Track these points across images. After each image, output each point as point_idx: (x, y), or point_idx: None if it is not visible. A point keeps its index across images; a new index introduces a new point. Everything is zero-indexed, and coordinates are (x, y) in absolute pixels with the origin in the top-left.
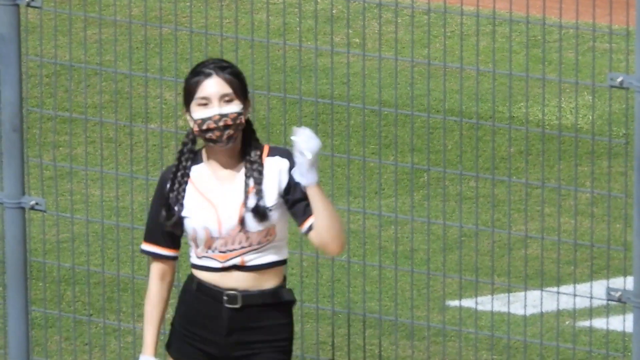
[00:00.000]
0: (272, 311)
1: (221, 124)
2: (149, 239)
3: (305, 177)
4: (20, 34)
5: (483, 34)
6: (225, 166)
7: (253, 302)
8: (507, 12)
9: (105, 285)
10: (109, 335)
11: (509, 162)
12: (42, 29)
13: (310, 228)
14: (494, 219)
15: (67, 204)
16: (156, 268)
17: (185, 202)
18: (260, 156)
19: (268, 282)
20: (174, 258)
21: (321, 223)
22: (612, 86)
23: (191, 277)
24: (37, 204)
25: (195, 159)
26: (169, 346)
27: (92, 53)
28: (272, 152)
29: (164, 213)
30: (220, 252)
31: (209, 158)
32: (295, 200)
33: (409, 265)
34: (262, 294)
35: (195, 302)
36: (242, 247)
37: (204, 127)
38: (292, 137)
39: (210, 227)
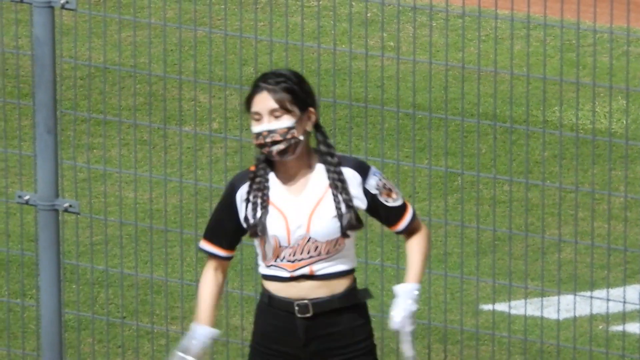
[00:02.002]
0: (345, 315)
1: (269, 140)
2: (208, 238)
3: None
4: (55, 36)
5: (517, 37)
6: (294, 175)
7: (324, 308)
8: (542, 16)
9: (138, 287)
10: (142, 338)
11: (543, 166)
12: (77, 31)
13: (405, 231)
14: (528, 223)
15: (100, 206)
16: (211, 264)
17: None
18: (337, 162)
19: (338, 287)
20: (229, 258)
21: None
22: None
23: (263, 293)
24: (70, 206)
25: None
26: None
27: (127, 55)
28: (342, 162)
29: (250, 221)
30: (289, 261)
31: (278, 167)
32: (381, 214)
33: (442, 269)
34: (332, 299)
35: (270, 317)
36: (311, 257)
37: (257, 141)
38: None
39: (279, 236)
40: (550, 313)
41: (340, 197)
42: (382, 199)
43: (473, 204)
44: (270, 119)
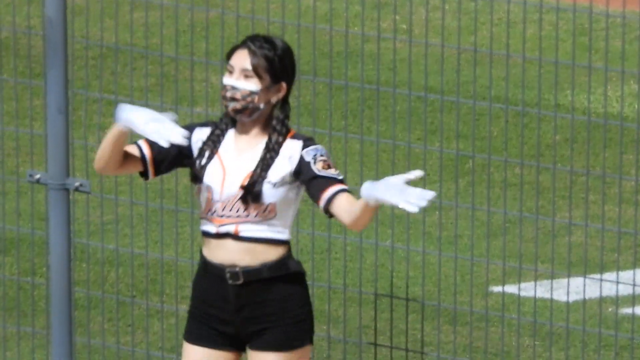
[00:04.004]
0: (277, 284)
1: (229, 94)
2: (148, 140)
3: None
4: (67, 16)
5: (530, 21)
6: (247, 137)
7: (255, 277)
8: (555, 0)
9: (148, 267)
10: (152, 317)
11: (554, 149)
12: (89, 11)
13: (328, 203)
14: (539, 206)
15: (111, 186)
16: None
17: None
18: (281, 142)
19: (268, 256)
20: (145, 168)
21: (359, 223)
22: None
23: (201, 256)
24: (81, 185)
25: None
26: (187, 333)
27: (139, 36)
28: (293, 136)
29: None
30: (218, 216)
31: (238, 126)
32: (307, 179)
33: (452, 251)
34: (263, 268)
35: (205, 282)
36: (238, 216)
37: (221, 92)
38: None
39: (213, 187)
40: (560, 295)
41: (258, 171)
42: (313, 167)
43: (484, 187)
44: (240, 76)
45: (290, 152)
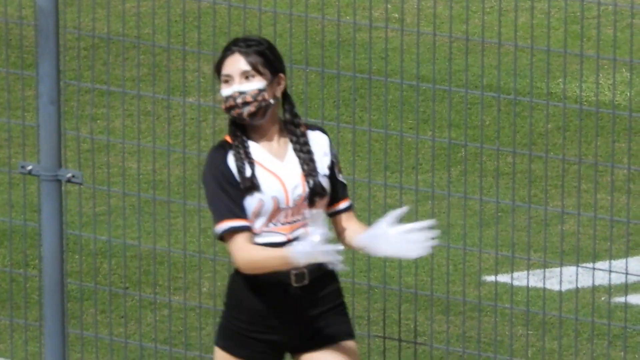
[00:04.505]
0: (327, 279)
1: (239, 101)
2: (230, 216)
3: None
4: (59, 6)
5: (522, 9)
6: (273, 140)
7: (317, 274)
8: None
9: (141, 258)
10: (145, 309)
11: (546, 138)
12: (81, 1)
13: (336, 213)
14: (531, 195)
15: (104, 177)
16: (238, 241)
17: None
18: (304, 132)
19: None
20: (250, 228)
21: (349, 246)
22: None
23: (243, 274)
24: (73, 176)
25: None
26: (222, 343)
27: (131, 26)
28: (311, 128)
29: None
30: (286, 223)
31: (253, 135)
32: (334, 179)
33: (445, 241)
34: (320, 264)
35: (258, 293)
36: (306, 218)
37: (227, 104)
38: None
39: (278, 197)
40: (553, 284)
41: (309, 165)
42: (336, 169)
43: (476, 176)
44: (242, 80)
45: (320, 146)
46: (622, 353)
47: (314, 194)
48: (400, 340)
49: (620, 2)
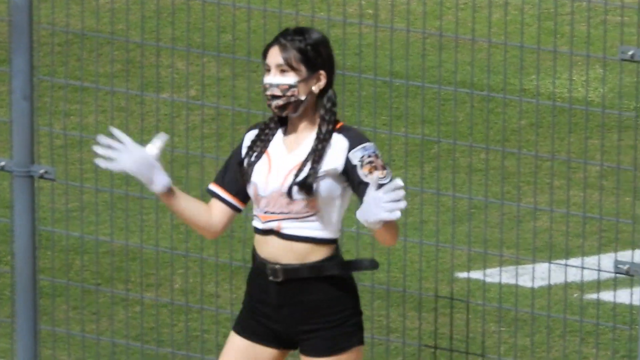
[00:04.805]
0: (319, 285)
1: (269, 93)
2: (216, 180)
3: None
4: (33, 2)
5: (495, 6)
6: (295, 133)
7: (293, 276)
8: None
9: (113, 254)
10: (117, 305)
11: (520, 134)
12: None
13: None
14: (504, 192)
15: (76, 173)
16: (211, 205)
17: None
18: (331, 132)
19: (310, 256)
20: (233, 207)
21: (386, 239)
22: (623, 59)
23: (252, 251)
24: (46, 172)
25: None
26: (236, 323)
27: (105, 22)
28: (340, 130)
29: (246, 162)
30: (264, 212)
31: (289, 124)
32: (355, 184)
33: (418, 237)
34: (302, 267)
35: (254, 276)
36: (282, 213)
37: (264, 93)
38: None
39: (258, 183)
40: (525, 281)
41: (310, 164)
42: (360, 172)
43: (449, 172)
44: (276, 73)
45: (337, 149)
46: (594, 350)
47: (299, 188)
48: (373, 337)
49: None
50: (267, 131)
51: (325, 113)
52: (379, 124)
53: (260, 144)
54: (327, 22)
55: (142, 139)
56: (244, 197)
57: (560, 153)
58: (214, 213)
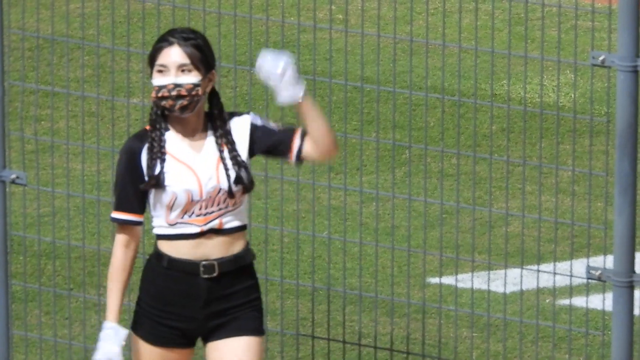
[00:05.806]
0: (243, 274)
1: (174, 93)
2: (119, 207)
3: (290, 94)
4: (3, 7)
5: (466, 11)
6: (194, 133)
7: (229, 268)
8: None
9: (85, 259)
10: (89, 310)
11: (491, 139)
12: (25, 2)
13: (299, 150)
14: (475, 197)
15: (48, 178)
16: (122, 236)
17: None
18: (226, 121)
19: (237, 246)
20: (140, 223)
21: (320, 129)
22: (594, 64)
23: (159, 255)
24: (17, 177)
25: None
26: (136, 328)
27: (75, 27)
28: (230, 116)
29: (147, 176)
30: (200, 215)
31: (175, 125)
32: (271, 143)
33: (389, 242)
34: (235, 258)
35: (168, 281)
36: (220, 209)
37: (160, 94)
38: (257, 62)
39: (192, 189)
40: (498, 286)
41: (229, 155)
42: (270, 126)
43: (421, 177)
44: (178, 73)
45: (242, 130)
46: (567, 355)
47: (237, 183)
48: (344, 342)
49: (565, 3)
50: (156, 141)
51: (220, 110)
52: (349, 129)
53: (159, 153)
54: (297, 27)
55: (113, 144)
56: (144, 209)
57: (532, 158)
58: (133, 239)
